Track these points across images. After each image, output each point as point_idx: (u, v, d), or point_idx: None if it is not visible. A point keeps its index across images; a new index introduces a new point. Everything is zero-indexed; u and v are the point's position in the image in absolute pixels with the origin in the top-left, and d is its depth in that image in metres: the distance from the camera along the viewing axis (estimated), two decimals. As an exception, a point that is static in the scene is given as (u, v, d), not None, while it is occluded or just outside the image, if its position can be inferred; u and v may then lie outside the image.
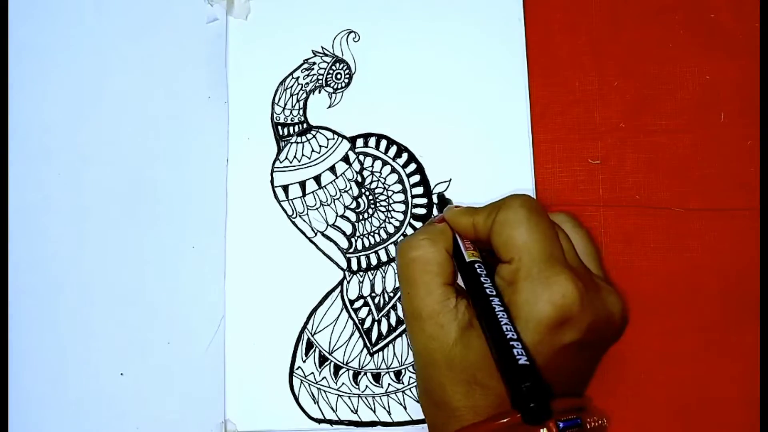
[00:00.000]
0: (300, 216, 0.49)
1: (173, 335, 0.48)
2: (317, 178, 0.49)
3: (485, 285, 0.36)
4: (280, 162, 0.50)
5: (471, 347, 0.35)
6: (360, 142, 0.50)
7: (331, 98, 0.50)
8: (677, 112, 0.49)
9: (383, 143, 0.50)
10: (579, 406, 0.36)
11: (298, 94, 0.51)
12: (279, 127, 0.50)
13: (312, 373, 0.48)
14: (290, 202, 0.49)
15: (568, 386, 0.37)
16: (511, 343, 0.33)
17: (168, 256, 0.49)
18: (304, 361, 0.48)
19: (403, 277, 0.39)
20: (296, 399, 0.47)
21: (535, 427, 0.33)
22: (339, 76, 0.51)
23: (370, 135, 0.50)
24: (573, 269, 0.36)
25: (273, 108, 0.50)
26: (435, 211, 0.49)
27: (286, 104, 0.50)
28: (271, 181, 0.50)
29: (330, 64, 0.51)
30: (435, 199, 0.48)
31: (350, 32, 0.51)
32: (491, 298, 0.35)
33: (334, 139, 0.50)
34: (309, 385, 0.48)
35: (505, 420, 0.34)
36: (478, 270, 0.37)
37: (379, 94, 0.50)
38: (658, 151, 0.49)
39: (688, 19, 0.50)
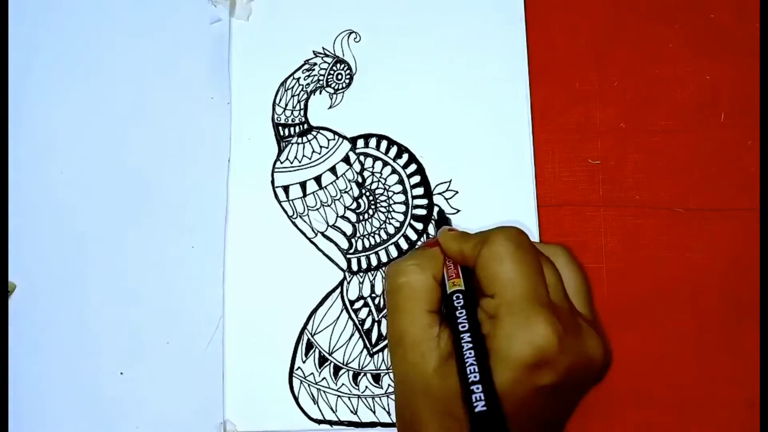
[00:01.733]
0: (300, 216, 0.49)
1: (173, 335, 0.48)
2: (318, 179, 0.49)
3: (459, 319, 0.36)
4: (281, 162, 0.50)
5: (448, 377, 0.35)
6: (361, 142, 0.50)
7: (331, 99, 0.51)
8: (677, 112, 0.49)
9: (384, 144, 0.50)
10: None
11: (299, 94, 0.51)
12: (280, 128, 0.50)
13: (312, 373, 0.48)
14: (291, 202, 0.49)
15: (544, 427, 0.36)
16: (472, 387, 0.33)
17: (168, 255, 0.49)
18: (304, 362, 0.48)
19: (390, 302, 0.39)
20: (296, 399, 0.47)
21: None
22: (340, 77, 0.51)
23: (371, 135, 0.50)
24: (555, 309, 0.35)
25: (274, 109, 0.50)
26: (432, 230, 0.48)
27: (287, 105, 0.50)
28: (272, 182, 0.50)
29: (331, 65, 0.51)
30: (434, 215, 0.48)
31: (351, 33, 0.51)
32: (462, 334, 0.35)
33: (334, 139, 0.50)
34: (309, 385, 0.48)
35: None
36: (455, 302, 0.37)
37: (379, 94, 0.50)
38: (658, 151, 0.49)
39: (688, 19, 0.50)
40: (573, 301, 0.38)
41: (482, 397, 0.32)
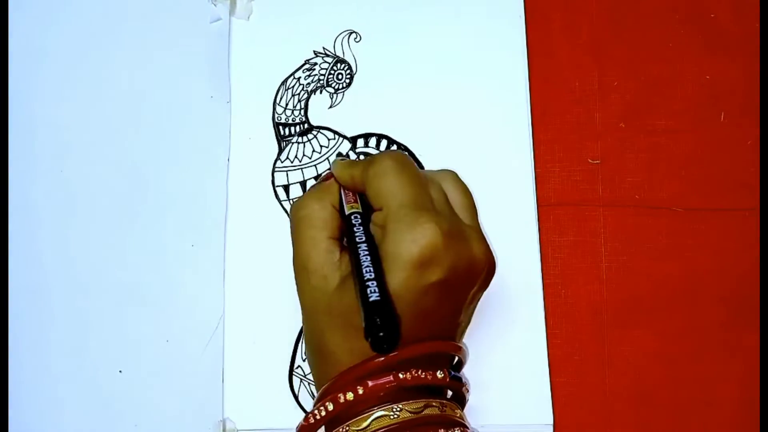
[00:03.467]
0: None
1: (172, 333, 0.48)
2: (318, 178, 0.49)
3: (356, 232, 0.38)
4: (281, 162, 0.50)
5: (347, 292, 0.37)
6: (361, 142, 0.50)
7: (332, 98, 0.51)
8: (677, 112, 0.49)
9: (384, 143, 0.50)
10: (451, 351, 0.39)
11: (299, 94, 0.51)
12: (280, 128, 0.50)
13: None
14: (291, 201, 0.49)
15: (439, 330, 0.38)
16: (367, 283, 0.35)
17: (168, 254, 0.49)
18: (304, 360, 0.48)
19: (293, 234, 0.40)
20: (296, 398, 0.47)
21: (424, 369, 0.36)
22: (340, 77, 0.51)
23: (371, 135, 0.50)
24: (439, 214, 0.38)
25: (274, 108, 0.51)
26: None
27: (287, 105, 0.51)
28: (272, 181, 0.50)
29: (331, 65, 0.51)
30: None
31: (351, 32, 0.51)
32: (359, 244, 0.37)
33: (335, 139, 0.50)
34: (309, 383, 0.47)
35: (381, 359, 0.36)
36: (353, 220, 0.39)
37: (379, 94, 0.50)
38: (658, 151, 0.49)
39: (688, 19, 0.50)
40: (460, 215, 0.40)
41: (376, 290, 0.34)
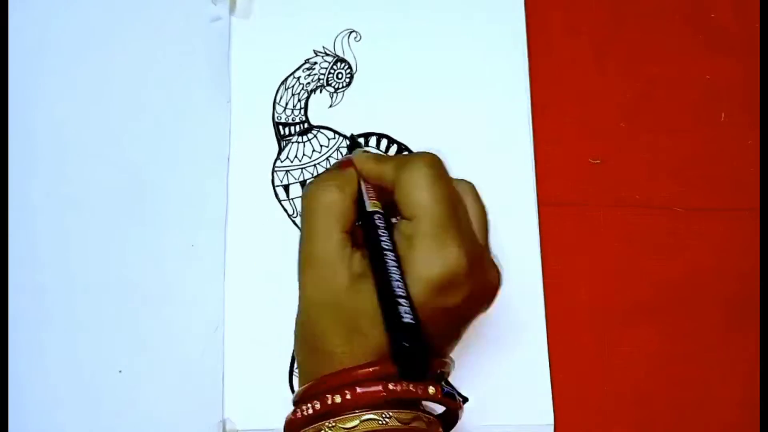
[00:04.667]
0: (301, 215, 0.49)
1: (172, 333, 0.48)
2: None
3: (382, 237, 0.37)
4: (281, 161, 0.50)
5: (359, 295, 0.36)
6: (361, 141, 0.50)
7: (332, 98, 0.51)
8: (677, 112, 0.49)
9: (384, 142, 0.50)
10: (446, 369, 0.38)
11: (299, 93, 0.51)
12: (280, 127, 0.50)
13: (312, 372, 0.48)
14: (291, 201, 0.49)
15: (437, 346, 0.38)
16: (399, 300, 0.34)
17: (168, 254, 0.49)
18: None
19: (305, 220, 0.39)
20: (296, 398, 0.47)
21: (415, 383, 0.35)
22: (340, 76, 0.51)
23: (371, 134, 0.50)
24: (466, 237, 0.37)
25: (274, 108, 0.51)
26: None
27: (287, 104, 0.51)
28: (272, 180, 0.50)
29: (331, 64, 0.51)
30: (347, 141, 0.49)
31: (351, 32, 0.51)
32: (386, 252, 0.36)
33: (335, 138, 0.50)
34: (308, 384, 0.47)
35: (376, 368, 0.35)
36: (377, 221, 0.38)
37: (379, 93, 0.50)
38: (658, 151, 0.49)
39: (688, 19, 0.50)
40: (477, 233, 0.40)
41: (409, 311, 0.34)
